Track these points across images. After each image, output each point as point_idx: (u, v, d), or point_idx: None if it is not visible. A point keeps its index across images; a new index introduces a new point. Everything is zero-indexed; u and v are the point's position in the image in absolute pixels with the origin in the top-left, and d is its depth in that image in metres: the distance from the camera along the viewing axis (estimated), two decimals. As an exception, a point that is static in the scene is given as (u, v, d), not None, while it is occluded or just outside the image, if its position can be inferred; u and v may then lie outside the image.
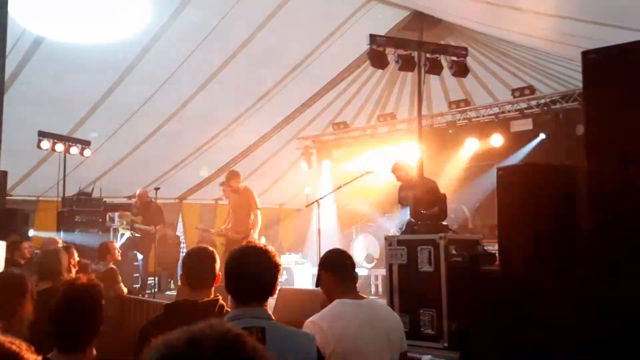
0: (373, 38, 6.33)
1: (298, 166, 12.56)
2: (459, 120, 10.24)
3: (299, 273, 9.81)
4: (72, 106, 9.14)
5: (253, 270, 2.26)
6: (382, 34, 8.62)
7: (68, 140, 9.21)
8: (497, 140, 9.43)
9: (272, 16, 8.44)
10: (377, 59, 6.46)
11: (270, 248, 2.37)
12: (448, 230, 5.36)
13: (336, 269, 2.92)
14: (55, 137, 9.01)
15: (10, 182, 9.18)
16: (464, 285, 4.94)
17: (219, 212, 13.33)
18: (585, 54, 3.09)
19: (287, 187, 13.45)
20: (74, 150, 9.24)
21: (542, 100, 9.22)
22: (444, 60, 6.92)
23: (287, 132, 12.03)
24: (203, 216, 13.17)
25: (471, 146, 9.79)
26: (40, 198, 10.71)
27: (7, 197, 8.94)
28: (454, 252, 4.99)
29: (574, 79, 8.97)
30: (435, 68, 6.69)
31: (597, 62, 3.03)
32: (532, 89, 9.25)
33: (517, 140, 9.22)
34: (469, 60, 8.07)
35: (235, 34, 8.67)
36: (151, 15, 7.96)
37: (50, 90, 8.52)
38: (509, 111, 9.59)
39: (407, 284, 5.18)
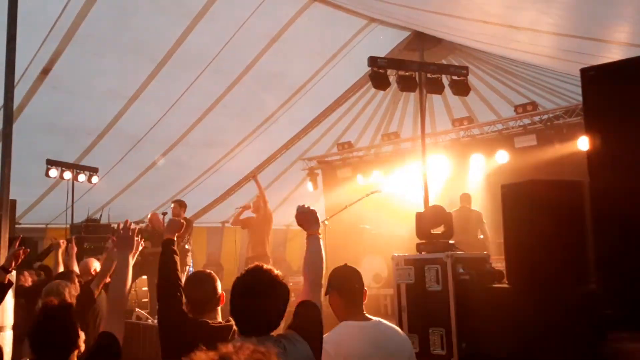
0: (373, 60, 6.41)
1: (304, 187, 12.60)
2: (463, 137, 10.28)
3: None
4: (79, 134, 9.26)
5: (263, 305, 2.17)
6: (384, 54, 8.74)
7: (76, 167, 9.30)
8: (501, 156, 9.46)
9: (275, 40, 8.57)
10: (378, 80, 6.53)
11: (280, 275, 2.28)
12: (455, 249, 5.35)
13: (343, 290, 2.92)
14: (63, 165, 9.10)
15: (19, 210, 9.28)
16: (473, 303, 4.93)
17: (225, 234, 13.36)
18: (584, 71, 3.14)
19: (294, 208, 13.43)
20: (82, 177, 9.31)
21: (545, 116, 9.26)
22: (445, 79, 6.99)
23: (292, 153, 12.11)
24: (210, 239, 13.20)
25: (476, 163, 9.82)
26: (49, 225, 10.78)
27: (16, 226, 9.03)
28: (461, 270, 4.97)
29: (576, 94, 9.01)
30: (436, 88, 6.75)
31: (595, 78, 3.08)
32: (534, 105, 9.30)
33: (522, 156, 9.24)
34: (471, 78, 8.14)
35: (239, 59, 8.79)
36: (156, 42, 8.10)
37: (57, 118, 8.64)
38: (513, 127, 9.62)
39: (416, 304, 5.16)
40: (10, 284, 3.66)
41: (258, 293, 2.20)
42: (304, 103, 10.28)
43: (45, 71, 7.71)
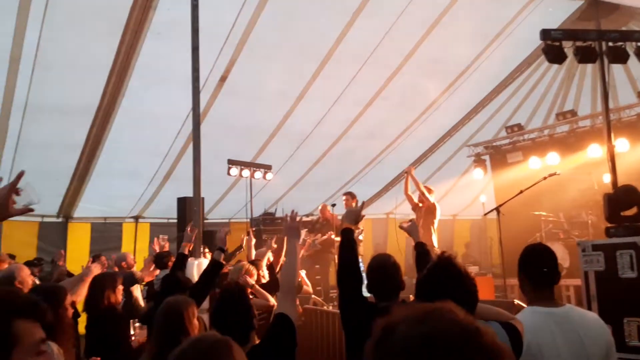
0: (546, 33, 5.97)
1: (469, 174, 12.21)
2: (652, 110, 9.18)
3: (479, 286, 9.42)
4: (254, 134, 9.96)
5: (456, 298, 2.17)
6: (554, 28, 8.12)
7: (252, 165, 10.01)
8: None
9: (435, 24, 8.42)
10: (553, 54, 6.07)
11: (466, 268, 2.31)
12: (653, 232, 4.82)
13: (531, 272, 2.76)
14: (242, 164, 9.86)
15: (206, 207, 10.27)
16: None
17: (390, 225, 13.46)
18: None
19: (460, 197, 13.12)
20: (258, 174, 10.01)
21: None
22: (629, 48, 6.29)
23: (456, 140, 11.80)
24: (375, 230, 13.40)
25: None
26: (232, 220, 11.76)
27: (204, 221, 9.99)
28: (661, 255, 4.47)
29: None
30: (619, 57, 6.11)
31: None
32: None
33: None
34: (660, 43, 7.23)
35: (398, 49, 8.78)
36: (318, 42, 8.41)
37: (235, 121, 9.38)
38: None
39: (607, 292, 4.76)
40: (223, 264, 4.11)
41: (447, 290, 2.18)
42: (468, 87, 9.97)
43: (223, 78, 8.42)
